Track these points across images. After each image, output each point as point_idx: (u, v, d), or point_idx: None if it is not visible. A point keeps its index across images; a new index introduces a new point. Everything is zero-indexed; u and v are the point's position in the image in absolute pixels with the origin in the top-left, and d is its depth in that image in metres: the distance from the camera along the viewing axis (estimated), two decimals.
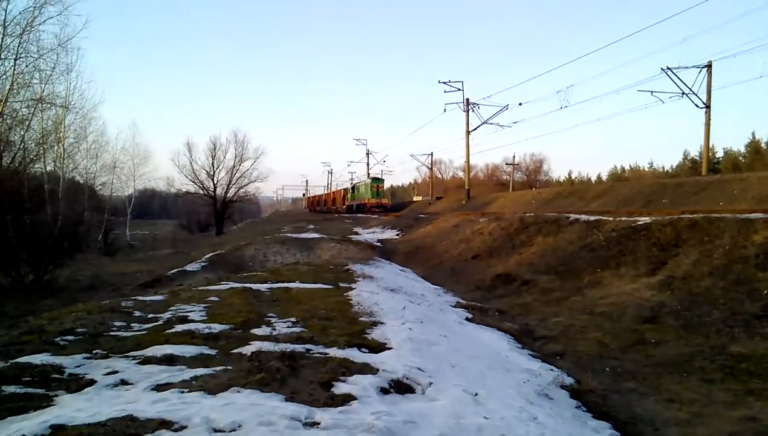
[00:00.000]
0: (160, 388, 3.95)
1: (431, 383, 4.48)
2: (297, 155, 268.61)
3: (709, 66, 27.46)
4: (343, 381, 4.22)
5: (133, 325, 6.30)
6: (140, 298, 8.40)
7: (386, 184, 55.33)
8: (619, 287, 9.92)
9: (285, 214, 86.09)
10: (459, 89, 37.66)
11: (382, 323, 6.65)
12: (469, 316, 9.20)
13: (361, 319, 6.89)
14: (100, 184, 41.23)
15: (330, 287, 9.80)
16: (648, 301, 8.74)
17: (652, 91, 28.79)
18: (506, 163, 72.21)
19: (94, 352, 4.96)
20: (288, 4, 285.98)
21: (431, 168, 64.79)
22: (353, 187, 58.26)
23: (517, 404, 4.52)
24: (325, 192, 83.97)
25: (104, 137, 39.88)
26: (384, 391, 4.15)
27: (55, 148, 31.02)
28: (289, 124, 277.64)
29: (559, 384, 5.56)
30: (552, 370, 6.15)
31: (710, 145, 30.89)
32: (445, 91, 38.04)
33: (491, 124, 37.13)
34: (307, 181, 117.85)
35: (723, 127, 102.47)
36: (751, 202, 13.52)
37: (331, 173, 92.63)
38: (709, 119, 27.87)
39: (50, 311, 8.24)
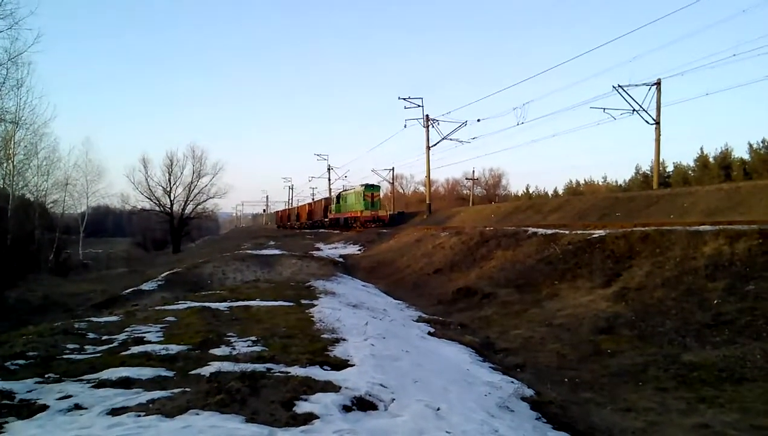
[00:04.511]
0: (115, 412, 3.85)
1: (394, 399, 4.48)
2: (257, 171, 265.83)
3: (658, 83, 28.46)
4: (305, 400, 4.18)
5: (86, 347, 6.10)
6: (94, 319, 8.16)
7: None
8: (575, 298, 10.14)
9: (245, 231, 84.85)
10: (419, 105, 38.04)
11: (344, 340, 6.62)
12: (431, 330, 9.23)
13: (323, 336, 6.85)
14: (51, 202, 40.03)
15: (291, 304, 9.70)
16: (604, 312, 8.95)
17: (604, 108, 29.59)
18: (466, 178, 73.19)
19: (46, 376, 4.79)
20: (242, 19, 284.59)
21: (393, 183, 64.95)
22: (338, 197, 47.99)
23: (478, 417, 4.55)
24: (299, 205, 76.31)
25: (56, 154, 38.72)
26: (346, 409, 4.13)
27: (5, 165, 29.95)
28: (249, 140, 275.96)
29: (519, 396, 5.64)
30: (512, 382, 6.22)
31: (661, 160, 31.99)
32: (405, 108, 38.16)
33: (451, 139, 37.61)
34: (267, 196, 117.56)
35: (673, 142, 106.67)
36: (700, 215, 14.03)
37: (292, 189, 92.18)
38: (659, 135, 28.87)
39: None
